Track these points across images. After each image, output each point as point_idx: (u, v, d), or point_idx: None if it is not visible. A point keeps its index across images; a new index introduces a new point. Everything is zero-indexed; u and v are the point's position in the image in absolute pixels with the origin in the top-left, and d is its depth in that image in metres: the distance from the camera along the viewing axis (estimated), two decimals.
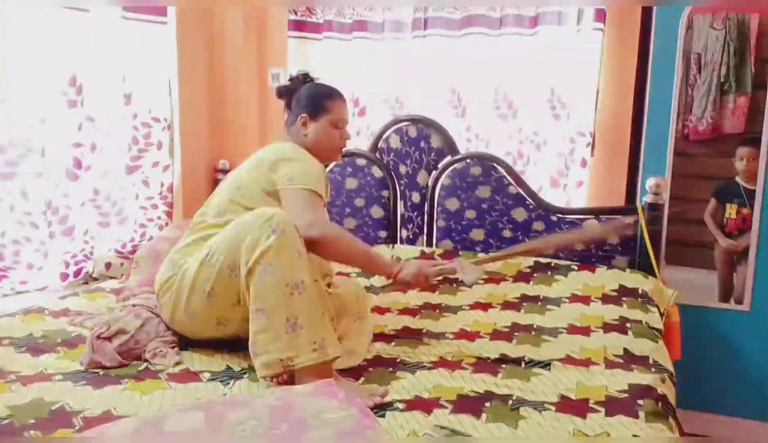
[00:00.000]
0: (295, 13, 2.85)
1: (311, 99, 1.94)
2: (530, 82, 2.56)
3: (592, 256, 2.46)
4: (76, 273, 2.47)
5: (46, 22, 2.25)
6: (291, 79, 2.06)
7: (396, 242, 2.70)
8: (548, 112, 2.56)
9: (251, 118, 2.99)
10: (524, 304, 2.17)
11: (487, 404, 1.44)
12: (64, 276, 2.43)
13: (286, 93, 2.02)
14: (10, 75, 2.18)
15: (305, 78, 2.03)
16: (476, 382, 1.57)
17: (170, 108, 2.75)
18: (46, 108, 2.29)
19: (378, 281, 2.32)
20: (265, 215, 1.56)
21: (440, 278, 2.05)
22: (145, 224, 2.74)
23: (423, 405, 1.45)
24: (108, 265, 2.58)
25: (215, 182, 2.87)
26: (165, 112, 2.73)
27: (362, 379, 1.61)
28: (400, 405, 1.45)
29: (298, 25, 2.86)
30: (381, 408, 1.42)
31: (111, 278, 2.51)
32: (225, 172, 2.84)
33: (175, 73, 2.75)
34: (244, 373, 1.61)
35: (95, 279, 2.51)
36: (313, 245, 1.64)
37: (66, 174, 2.40)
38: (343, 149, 2.01)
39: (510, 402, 1.46)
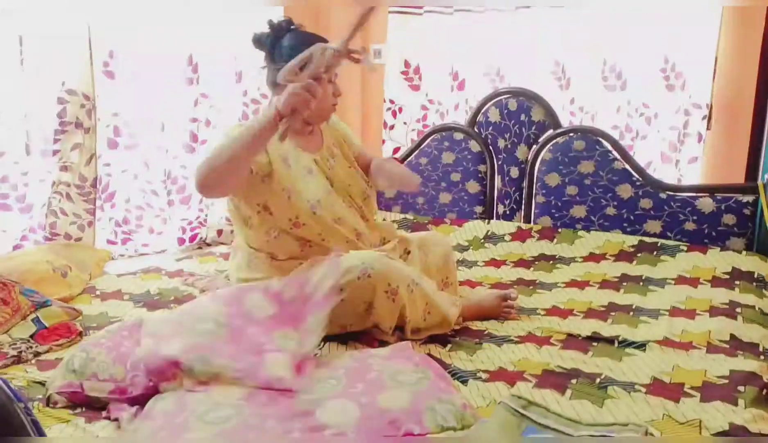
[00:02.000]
0: None
1: (295, 50, 1.53)
2: (641, 51, 2.42)
3: (704, 236, 2.30)
4: (192, 238, 2.67)
5: (165, 4, 2.42)
6: (271, 26, 1.70)
7: (492, 218, 2.67)
8: (661, 82, 2.41)
9: (353, 94, 3.06)
10: (624, 284, 2.08)
11: (573, 381, 1.41)
12: (181, 241, 2.64)
13: (266, 42, 1.69)
14: (135, 54, 2.38)
15: (288, 25, 1.70)
16: (564, 358, 1.54)
17: None
18: (166, 85, 2.48)
19: None
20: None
21: (320, 70, 1.45)
22: None
23: (506, 376, 1.44)
24: (219, 232, 2.76)
25: None
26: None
27: (449, 346, 1.63)
28: (483, 375, 1.45)
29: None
30: (464, 376, 1.43)
31: (221, 243, 2.70)
32: None
33: None
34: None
35: (208, 244, 2.70)
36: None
37: (184, 147, 2.59)
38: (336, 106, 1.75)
39: (597, 380, 1.42)
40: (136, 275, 2.19)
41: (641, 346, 1.59)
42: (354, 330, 1.64)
